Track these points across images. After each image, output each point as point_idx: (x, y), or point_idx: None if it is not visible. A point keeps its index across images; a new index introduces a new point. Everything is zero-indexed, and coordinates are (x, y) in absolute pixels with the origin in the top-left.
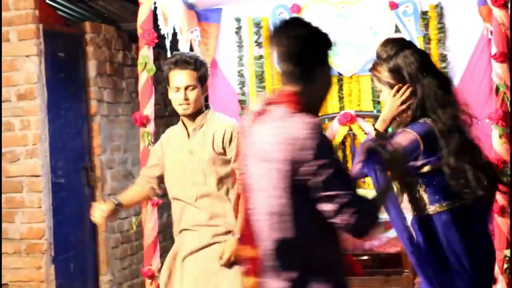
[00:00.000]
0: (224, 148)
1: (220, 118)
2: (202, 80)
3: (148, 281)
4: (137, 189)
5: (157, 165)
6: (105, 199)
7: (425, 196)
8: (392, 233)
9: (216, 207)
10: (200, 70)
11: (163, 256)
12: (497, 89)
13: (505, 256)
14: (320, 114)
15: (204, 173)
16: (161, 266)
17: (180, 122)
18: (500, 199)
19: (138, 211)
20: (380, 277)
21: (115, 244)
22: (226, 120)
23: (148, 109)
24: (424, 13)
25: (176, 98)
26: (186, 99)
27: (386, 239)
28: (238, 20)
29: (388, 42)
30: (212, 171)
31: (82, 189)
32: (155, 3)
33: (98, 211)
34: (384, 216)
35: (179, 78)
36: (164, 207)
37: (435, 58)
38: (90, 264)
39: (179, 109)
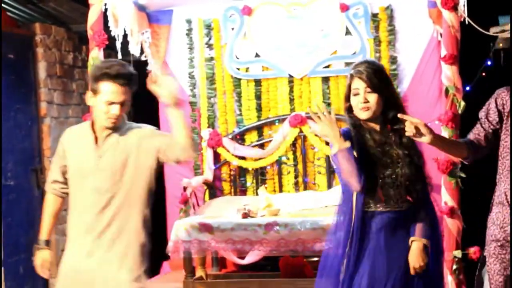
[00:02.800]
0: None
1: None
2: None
3: None
4: (54, 213)
5: None
6: (36, 249)
7: None
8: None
9: None
10: (134, 86)
11: None
12: (447, 91)
13: (455, 257)
14: (271, 116)
15: None
16: None
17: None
18: (449, 200)
19: None
20: None
21: (64, 247)
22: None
23: None
24: (375, 15)
25: (105, 111)
26: (119, 114)
27: None
28: (189, 21)
29: None
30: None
31: (32, 191)
32: (105, 4)
33: (46, 271)
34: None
35: (117, 94)
36: None
37: (385, 60)
38: None
39: (107, 122)
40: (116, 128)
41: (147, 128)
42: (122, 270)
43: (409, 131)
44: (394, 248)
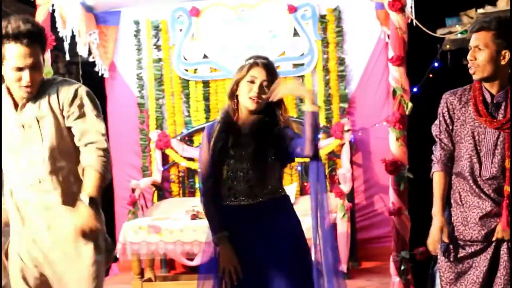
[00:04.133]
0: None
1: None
2: (44, 53)
3: None
4: None
5: None
6: None
7: None
8: None
9: None
10: (44, 44)
11: None
12: (394, 92)
13: (402, 257)
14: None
15: None
16: None
17: None
18: (397, 201)
19: None
20: None
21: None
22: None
23: None
24: (323, 17)
25: (16, 79)
26: (32, 81)
27: None
28: (137, 23)
29: None
30: None
31: None
32: (53, 5)
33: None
34: None
35: (23, 57)
36: None
37: (333, 61)
38: None
39: (21, 92)
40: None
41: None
42: None
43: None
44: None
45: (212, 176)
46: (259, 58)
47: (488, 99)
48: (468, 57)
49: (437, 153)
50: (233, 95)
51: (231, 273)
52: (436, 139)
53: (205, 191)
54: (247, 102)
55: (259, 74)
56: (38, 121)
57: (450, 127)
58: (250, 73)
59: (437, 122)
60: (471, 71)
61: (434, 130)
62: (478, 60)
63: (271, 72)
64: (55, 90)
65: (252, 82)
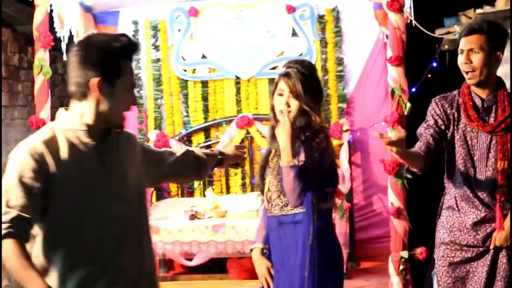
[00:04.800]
0: None
1: None
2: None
3: None
4: None
5: None
6: None
7: None
8: None
9: None
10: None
11: None
12: (393, 92)
13: (401, 257)
14: (218, 117)
15: None
16: None
17: None
18: (396, 201)
19: None
20: None
21: None
22: None
23: (45, 112)
24: (321, 17)
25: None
26: None
27: None
28: (135, 23)
29: None
30: None
31: None
32: (51, 5)
33: None
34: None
35: None
36: None
37: (331, 61)
38: None
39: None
40: None
41: None
42: None
43: (388, 148)
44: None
45: None
46: (287, 69)
47: (479, 103)
48: (463, 60)
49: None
50: (272, 109)
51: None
52: (419, 137)
53: None
54: (279, 115)
55: (285, 86)
56: None
57: (442, 127)
58: (279, 85)
59: (424, 124)
60: (466, 76)
61: (420, 129)
62: (475, 63)
63: (295, 83)
64: None
65: (281, 95)
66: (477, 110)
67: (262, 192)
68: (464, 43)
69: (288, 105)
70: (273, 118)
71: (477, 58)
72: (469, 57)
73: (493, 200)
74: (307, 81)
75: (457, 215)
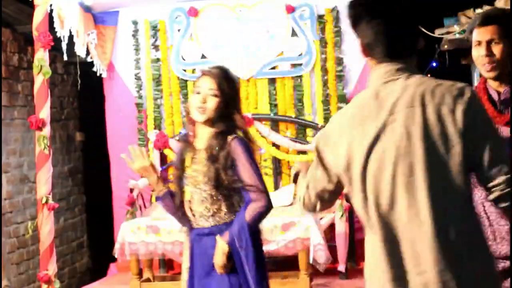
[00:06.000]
0: None
1: None
2: None
3: (44, 286)
4: None
5: None
6: None
7: None
8: (288, 237)
9: None
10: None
11: (59, 261)
12: None
13: None
14: None
15: None
16: (57, 271)
17: None
18: None
19: (34, 216)
20: (277, 280)
21: (11, 249)
22: None
23: (44, 112)
24: (321, 17)
25: None
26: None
27: (283, 243)
28: (135, 23)
29: None
30: None
31: None
32: (51, 5)
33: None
34: (282, 219)
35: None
36: (60, 211)
37: (331, 61)
38: None
39: None
40: None
41: None
42: None
43: None
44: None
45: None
46: (209, 68)
47: (495, 97)
48: (484, 53)
49: None
50: (188, 111)
51: None
52: None
53: None
54: (194, 114)
55: (203, 84)
56: None
57: None
58: (197, 83)
59: None
60: (486, 68)
61: None
62: (498, 55)
63: (218, 81)
64: None
65: (198, 93)
66: (493, 104)
67: (182, 203)
68: (482, 34)
69: (205, 102)
70: (188, 119)
71: (499, 49)
72: (490, 48)
73: None
74: (226, 80)
75: (486, 223)
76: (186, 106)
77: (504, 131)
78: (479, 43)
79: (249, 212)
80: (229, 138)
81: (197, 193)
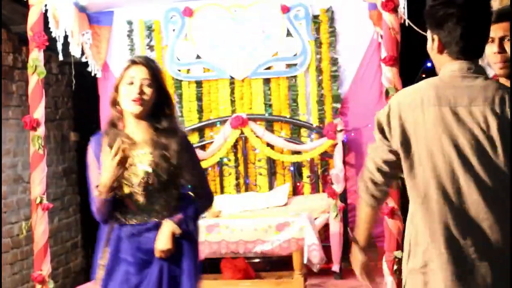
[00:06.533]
0: None
1: None
2: None
3: (38, 286)
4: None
5: None
6: None
7: None
8: (282, 237)
9: None
10: None
11: (53, 261)
12: (387, 92)
13: (395, 257)
14: (212, 118)
15: None
16: (52, 271)
17: None
18: (390, 201)
19: (28, 216)
20: (272, 280)
21: (5, 249)
22: None
23: (39, 112)
24: (316, 17)
25: None
26: None
27: (278, 243)
28: (130, 23)
29: None
30: None
31: None
32: (46, 5)
33: None
34: (276, 219)
35: None
36: (55, 211)
37: (326, 61)
38: None
39: None
40: None
41: None
42: None
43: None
44: None
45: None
46: (137, 57)
47: None
48: (496, 50)
49: None
50: (114, 102)
51: None
52: None
53: None
54: (129, 106)
55: (137, 73)
56: None
57: None
58: (128, 73)
59: None
60: (498, 66)
61: None
62: (510, 52)
63: (151, 70)
64: None
65: (131, 83)
66: None
67: (118, 199)
68: (495, 31)
69: (143, 93)
70: (116, 110)
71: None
72: (502, 45)
73: None
74: (157, 70)
75: None
76: (112, 96)
77: None
78: (492, 40)
79: (199, 207)
80: (178, 135)
81: (141, 188)
